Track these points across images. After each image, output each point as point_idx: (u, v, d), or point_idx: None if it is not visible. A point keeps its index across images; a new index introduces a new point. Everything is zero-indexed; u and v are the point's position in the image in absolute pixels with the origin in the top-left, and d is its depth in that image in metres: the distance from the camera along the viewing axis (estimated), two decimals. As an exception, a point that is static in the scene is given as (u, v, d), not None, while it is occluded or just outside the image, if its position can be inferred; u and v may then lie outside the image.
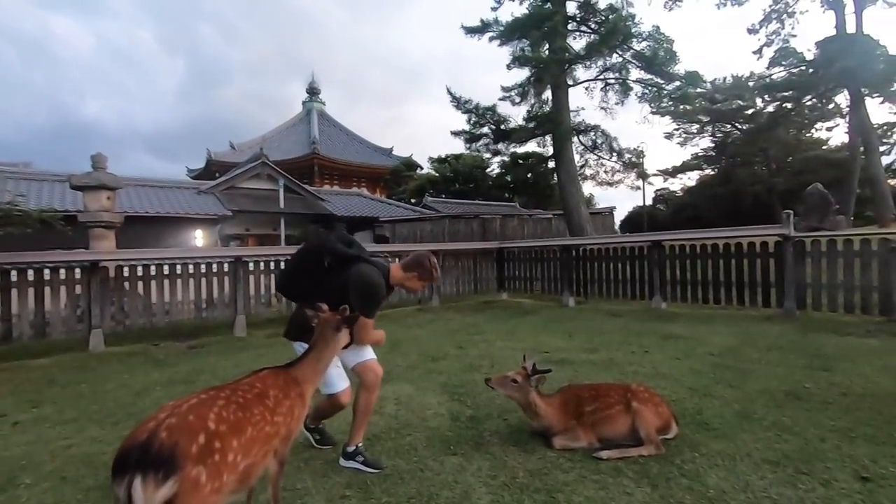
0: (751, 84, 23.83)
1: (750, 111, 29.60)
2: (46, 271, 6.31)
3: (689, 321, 6.67)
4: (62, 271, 6.41)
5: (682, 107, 17.64)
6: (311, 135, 31.45)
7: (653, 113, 19.74)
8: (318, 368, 2.20)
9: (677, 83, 15.55)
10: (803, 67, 23.24)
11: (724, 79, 23.97)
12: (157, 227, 13.90)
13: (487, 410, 3.40)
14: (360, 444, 2.67)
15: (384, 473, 2.54)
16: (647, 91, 16.19)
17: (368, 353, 2.71)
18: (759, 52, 25.51)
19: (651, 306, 7.96)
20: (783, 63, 23.85)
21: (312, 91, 36.68)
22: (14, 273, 6.12)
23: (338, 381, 2.63)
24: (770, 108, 27.87)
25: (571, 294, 9.32)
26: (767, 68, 24.79)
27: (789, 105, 26.09)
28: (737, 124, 32.02)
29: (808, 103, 26.22)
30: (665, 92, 15.96)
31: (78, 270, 6.50)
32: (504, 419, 3.25)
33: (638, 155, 18.87)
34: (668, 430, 2.80)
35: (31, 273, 6.21)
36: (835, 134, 32.68)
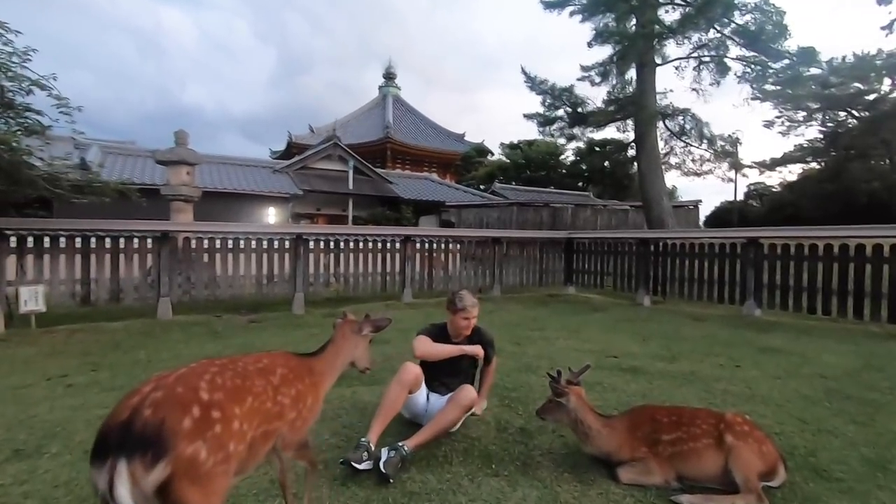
0: (878, 63, 20.51)
1: (871, 96, 25.75)
2: (122, 240, 6.60)
3: (791, 333, 5.70)
4: (135, 240, 6.68)
5: (789, 90, 15.44)
6: (385, 119, 31.69)
7: (753, 98, 17.62)
8: (335, 364, 2.06)
9: (786, 61, 13.65)
10: (947, 43, 19.70)
11: (844, 58, 20.85)
12: (232, 203, 14.55)
13: (540, 421, 2.91)
14: (407, 449, 2.37)
15: (409, 491, 2.17)
16: (748, 70, 14.39)
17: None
18: (888, 27, 21.96)
19: (742, 312, 6.98)
20: (921, 38, 20.36)
21: (389, 76, 36.89)
22: (93, 240, 6.44)
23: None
24: (898, 93, 24.08)
25: (647, 292, 8.45)
26: (900, 45, 21.37)
27: (924, 89, 22.37)
28: (853, 111, 28.04)
29: (948, 88, 22.32)
30: (771, 71, 14.08)
31: (150, 240, 6.75)
32: (560, 435, 2.76)
33: (733, 143, 16.91)
34: (772, 476, 2.17)
35: (107, 241, 6.52)
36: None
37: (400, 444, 2.36)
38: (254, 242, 7.46)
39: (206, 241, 7.13)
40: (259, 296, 7.53)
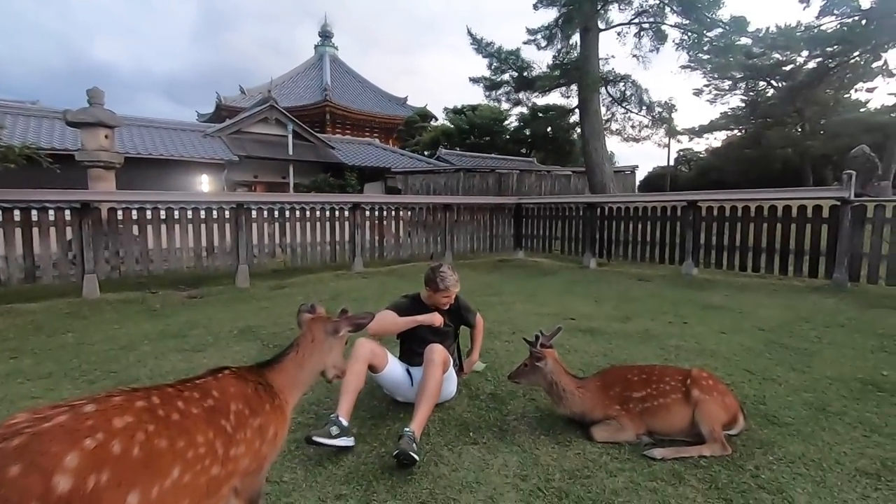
0: (797, 35, 21.90)
1: (788, 67, 27.60)
2: (34, 212, 5.88)
3: (728, 290, 6.11)
4: (51, 212, 5.97)
5: (722, 58, 16.12)
6: (323, 81, 30.11)
7: (683, 66, 18.27)
8: (300, 378, 1.59)
9: (720, 30, 14.20)
10: (857, 18, 21.26)
11: (768, 29, 22.04)
12: (160, 170, 13.39)
13: (510, 387, 2.93)
14: (410, 431, 2.17)
15: (389, 466, 2.10)
16: (685, 38, 14.85)
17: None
18: (805, 0, 23.39)
19: (682, 272, 7.39)
20: (835, 12, 21.77)
21: (325, 35, 34.80)
22: (-1, 212, 5.69)
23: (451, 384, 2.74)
24: (811, 65, 25.90)
25: (593, 255, 8.75)
26: (817, 18, 22.74)
27: (833, 61, 24.19)
28: (772, 81, 29.99)
29: (852, 61, 24.24)
30: (706, 39, 14.61)
31: (68, 212, 6.06)
32: (531, 399, 2.79)
33: (669, 110, 17.61)
34: (733, 424, 2.31)
35: (17, 213, 5.78)
36: (875, 95, 30.60)
37: (405, 429, 2.17)
38: (190, 212, 6.90)
39: (134, 212, 6.50)
40: (199, 269, 7.04)
